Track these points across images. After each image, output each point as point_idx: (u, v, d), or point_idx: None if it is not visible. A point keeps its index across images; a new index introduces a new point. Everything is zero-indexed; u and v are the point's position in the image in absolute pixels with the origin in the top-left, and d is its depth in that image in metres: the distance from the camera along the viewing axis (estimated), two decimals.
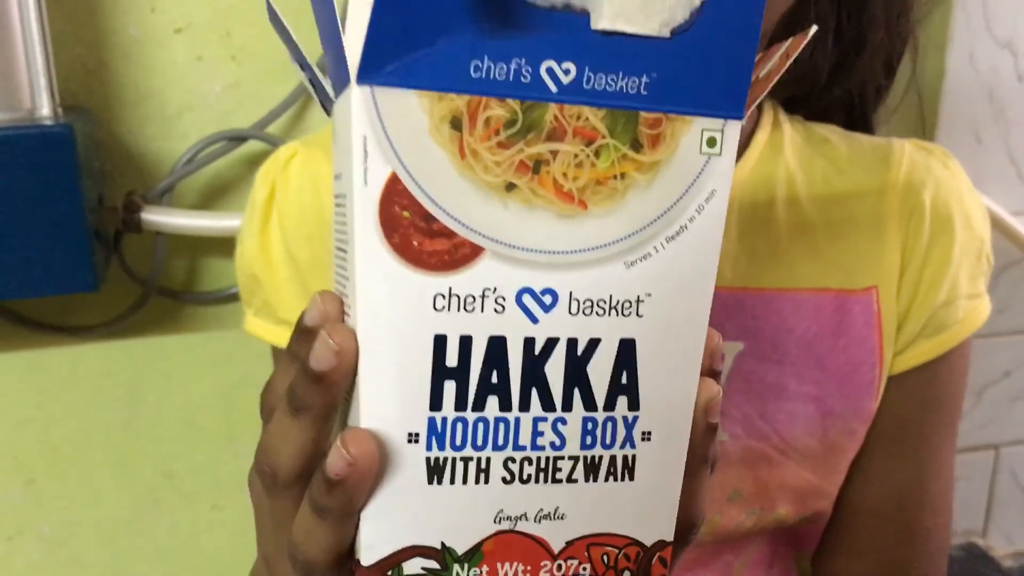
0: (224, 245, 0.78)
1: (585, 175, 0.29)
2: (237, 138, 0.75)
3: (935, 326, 0.56)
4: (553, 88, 0.28)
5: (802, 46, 0.31)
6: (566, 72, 0.28)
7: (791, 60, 0.31)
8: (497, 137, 0.28)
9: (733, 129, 0.30)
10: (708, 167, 0.30)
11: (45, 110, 0.66)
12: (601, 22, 0.27)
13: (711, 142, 0.30)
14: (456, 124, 0.28)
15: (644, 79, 0.28)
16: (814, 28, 0.31)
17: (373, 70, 0.27)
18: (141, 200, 0.72)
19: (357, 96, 0.27)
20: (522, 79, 0.28)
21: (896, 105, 0.83)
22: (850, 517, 0.59)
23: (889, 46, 0.62)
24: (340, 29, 0.28)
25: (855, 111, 0.64)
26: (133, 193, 0.72)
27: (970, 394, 1.03)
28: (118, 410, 0.82)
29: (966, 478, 1.07)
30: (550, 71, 0.28)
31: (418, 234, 0.28)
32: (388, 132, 0.27)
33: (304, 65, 0.33)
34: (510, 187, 0.29)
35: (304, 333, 0.30)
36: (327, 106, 0.33)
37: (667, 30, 0.28)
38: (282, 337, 0.54)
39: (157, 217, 0.72)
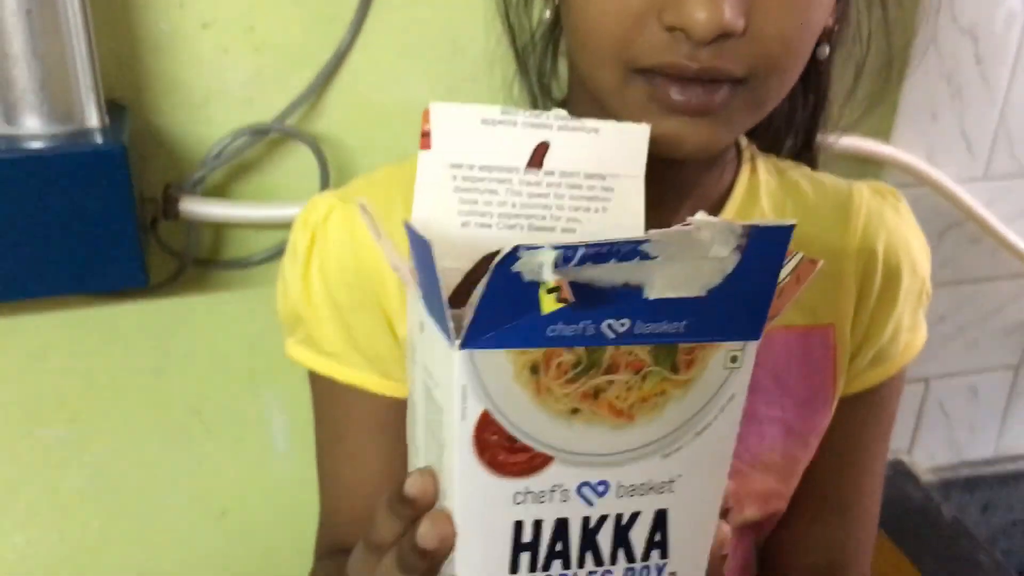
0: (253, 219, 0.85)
1: (634, 396, 0.38)
2: (260, 132, 0.82)
3: (880, 357, 0.67)
4: (611, 336, 0.36)
5: (815, 272, 0.39)
6: (622, 325, 0.36)
7: (803, 285, 0.40)
8: (566, 376, 0.37)
9: (752, 347, 0.39)
10: (730, 378, 0.39)
11: (94, 120, 0.72)
12: (653, 293, 0.35)
13: (734, 359, 0.39)
14: (534, 369, 0.36)
15: (683, 322, 0.37)
16: (820, 262, 0.39)
17: (474, 340, 0.35)
18: (178, 192, 0.79)
19: (459, 357, 0.35)
20: (587, 333, 0.36)
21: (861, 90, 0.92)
22: (801, 513, 0.70)
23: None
24: (445, 304, 0.35)
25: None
26: (170, 186, 0.79)
27: None
28: (152, 358, 0.92)
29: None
30: (609, 325, 0.36)
31: (503, 451, 0.37)
32: (482, 381, 0.36)
33: (397, 268, 0.41)
34: (575, 411, 0.37)
35: (403, 500, 0.39)
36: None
37: (704, 291, 0.36)
38: (323, 365, 0.63)
39: (193, 207, 0.79)
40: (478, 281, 0.44)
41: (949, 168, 1.05)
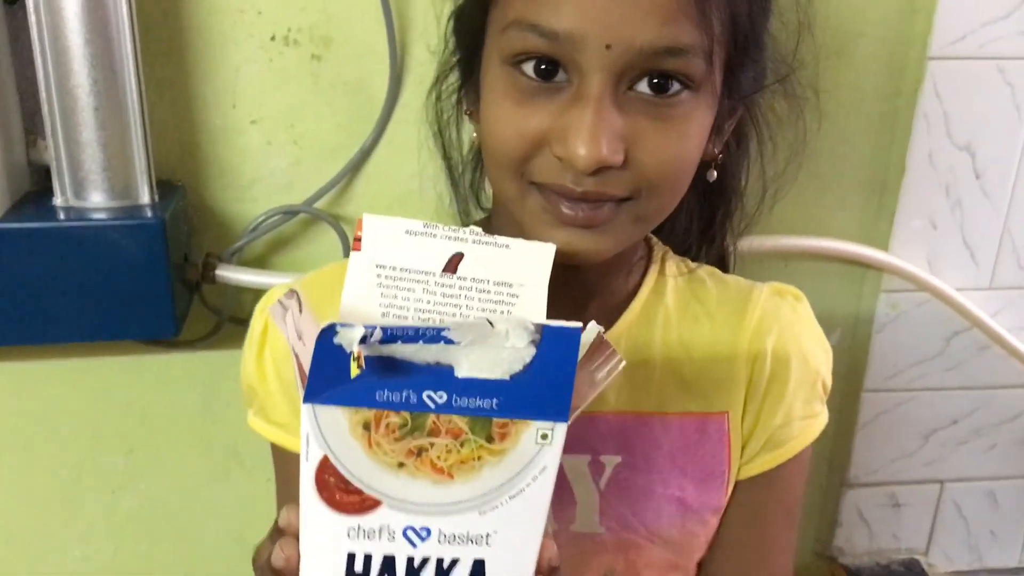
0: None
1: (453, 458, 0.46)
2: (291, 212, 0.95)
3: (773, 443, 0.73)
4: (432, 405, 0.46)
5: (618, 370, 0.48)
6: (440, 397, 0.45)
7: (611, 378, 0.48)
8: (393, 434, 0.46)
9: (561, 428, 0.46)
10: (541, 452, 0.47)
11: (145, 198, 0.87)
12: (461, 373, 0.45)
13: (544, 436, 0.47)
14: (367, 426, 0.46)
15: (494, 400, 0.46)
16: (623, 362, 0.48)
17: (313, 396, 0.45)
18: (216, 260, 0.93)
19: (304, 409, 0.45)
20: (410, 401, 0.45)
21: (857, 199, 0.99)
22: None
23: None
24: (297, 369, 0.46)
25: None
26: (211, 255, 0.94)
27: (918, 436, 1.19)
28: (198, 402, 1.05)
29: (911, 505, 1.23)
30: (429, 396, 0.45)
31: (339, 492, 0.46)
32: (322, 430, 0.46)
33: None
34: (401, 465, 0.46)
35: (277, 528, 0.49)
36: None
37: (507, 375, 0.45)
38: (275, 435, 0.73)
39: (228, 273, 0.93)
40: None
41: (951, 276, 1.09)
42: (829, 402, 0.77)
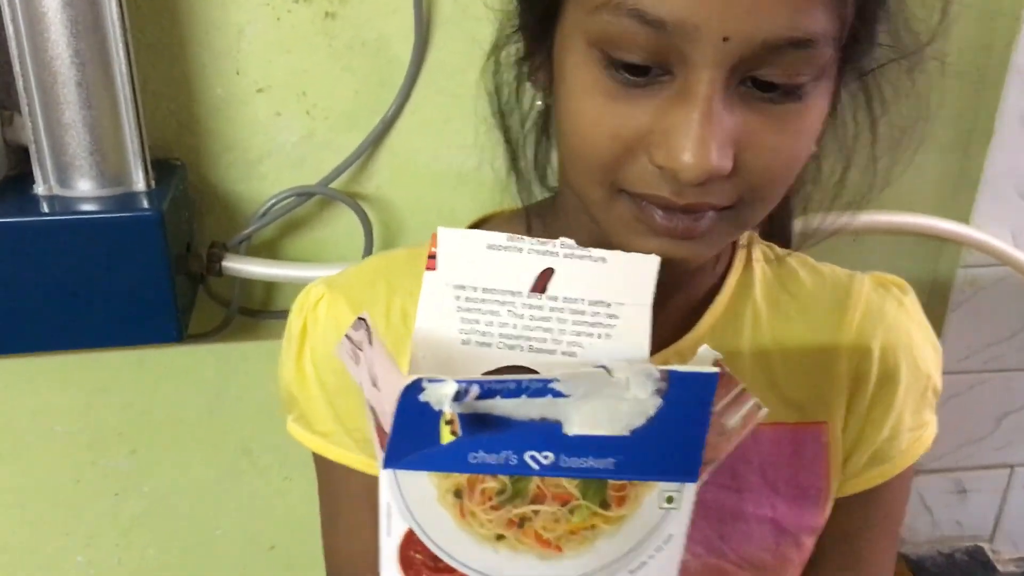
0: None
1: (561, 528, 0.38)
2: (305, 194, 0.84)
3: (879, 458, 0.63)
4: (535, 467, 0.37)
5: (757, 419, 0.39)
6: (545, 457, 0.37)
7: (748, 428, 0.39)
8: (490, 502, 0.38)
9: (690, 488, 0.38)
10: (667, 518, 0.39)
11: (140, 184, 0.76)
12: (572, 430, 0.36)
13: (670, 499, 0.38)
14: (458, 493, 0.37)
15: (611, 459, 0.37)
16: (764, 410, 0.39)
17: (395, 459, 0.37)
18: (222, 249, 0.82)
19: (384, 475, 0.37)
20: (510, 463, 0.37)
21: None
22: None
23: None
24: (374, 427, 0.37)
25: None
26: (216, 244, 0.83)
27: (990, 420, 1.09)
28: (207, 399, 0.96)
29: (978, 491, 1.14)
30: (532, 457, 0.37)
31: (427, 570, 0.38)
32: (406, 500, 0.37)
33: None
34: (500, 537, 0.38)
35: None
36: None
37: (627, 431, 0.36)
38: (318, 445, 0.64)
39: (236, 265, 0.83)
40: None
41: None
42: None
